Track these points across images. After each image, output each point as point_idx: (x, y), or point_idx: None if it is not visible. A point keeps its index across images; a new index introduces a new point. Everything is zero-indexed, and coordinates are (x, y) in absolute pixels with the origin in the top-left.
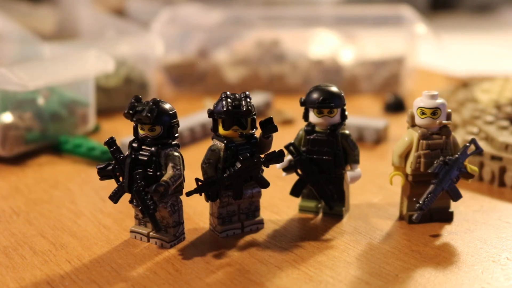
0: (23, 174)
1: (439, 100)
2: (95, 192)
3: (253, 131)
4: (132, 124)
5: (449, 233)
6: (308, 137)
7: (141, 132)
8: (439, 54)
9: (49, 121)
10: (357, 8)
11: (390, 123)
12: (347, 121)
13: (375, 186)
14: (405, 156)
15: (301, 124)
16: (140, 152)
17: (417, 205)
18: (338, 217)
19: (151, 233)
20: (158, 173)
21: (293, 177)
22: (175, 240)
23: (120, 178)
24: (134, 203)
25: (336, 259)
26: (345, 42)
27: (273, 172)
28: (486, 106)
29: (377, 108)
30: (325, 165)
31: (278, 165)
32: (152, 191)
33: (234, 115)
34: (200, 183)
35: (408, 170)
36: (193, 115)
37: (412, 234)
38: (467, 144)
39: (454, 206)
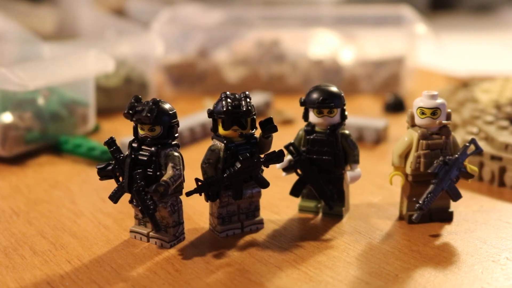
0: (23, 174)
1: (439, 100)
2: (95, 192)
3: (253, 131)
4: (132, 124)
5: (449, 233)
6: (308, 137)
7: (141, 132)
8: (439, 54)
9: (49, 121)
10: (357, 8)
11: (390, 123)
12: (347, 121)
13: (375, 186)
14: (405, 156)
15: (301, 124)
16: (140, 152)
17: (417, 205)
18: (338, 217)
19: (151, 233)
20: (158, 173)
21: (293, 177)
22: (175, 240)
23: (120, 178)
24: (134, 203)
25: (336, 259)
26: (345, 42)
27: (273, 172)
28: (486, 106)
29: (377, 108)
30: (325, 165)
31: (278, 165)
32: (152, 191)
33: (234, 115)
34: (200, 183)
35: (408, 170)
36: (193, 115)
37: (412, 234)
38: (467, 144)
39: (454, 206)
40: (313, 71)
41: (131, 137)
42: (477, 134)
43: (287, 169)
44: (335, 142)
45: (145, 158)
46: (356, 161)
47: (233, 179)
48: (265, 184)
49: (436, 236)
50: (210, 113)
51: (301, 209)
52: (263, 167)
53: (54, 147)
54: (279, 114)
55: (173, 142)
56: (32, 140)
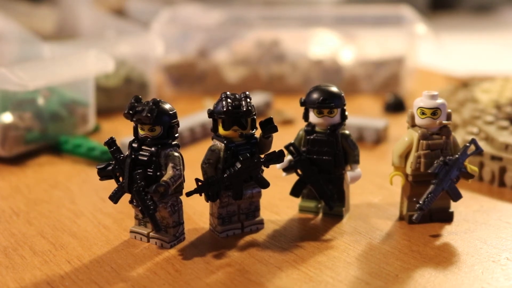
0: (23, 174)
1: (439, 100)
2: (95, 192)
3: (253, 131)
4: (132, 124)
5: (449, 233)
6: (308, 137)
7: (141, 132)
8: (439, 54)
9: (49, 121)
10: (357, 8)
11: (390, 123)
12: (347, 121)
13: (375, 186)
14: (405, 156)
15: (301, 124)
16: (140, 152)
17: (417, 205)
18: (338, 217)
19: (151, 233)
20: (158, 173)
21: (293, 177)
22: (175, 240)
23: (120, 178)
24: (134, 203)
25: (336, 259)
26: (345, 42)
27: (273, 172)
28: (486, 106)
29: (377, 108)
30: (325, 165)
31: (278, 165)
32: (152, 191)
33: (234, 115)
34: (200, 183)
35: (408, 170)
36: (193, 115)
37: (412, 234)
38: (467, 144)
39: (454, 206)
40: (313, 71)
41: (131, 137)
42: (477, 134)
43: (287, 169)
44: (335, 142)
45: (145, 158)
46: (356, 161)
47: (233, 179)
48: (265, 184)
49: (436, 236)
50: (210, 113)
51: (301, 209)
52: (263, 167)
53: (54, 147)
54: (279, 114)
55: (173, 142)
56: (32, 140)
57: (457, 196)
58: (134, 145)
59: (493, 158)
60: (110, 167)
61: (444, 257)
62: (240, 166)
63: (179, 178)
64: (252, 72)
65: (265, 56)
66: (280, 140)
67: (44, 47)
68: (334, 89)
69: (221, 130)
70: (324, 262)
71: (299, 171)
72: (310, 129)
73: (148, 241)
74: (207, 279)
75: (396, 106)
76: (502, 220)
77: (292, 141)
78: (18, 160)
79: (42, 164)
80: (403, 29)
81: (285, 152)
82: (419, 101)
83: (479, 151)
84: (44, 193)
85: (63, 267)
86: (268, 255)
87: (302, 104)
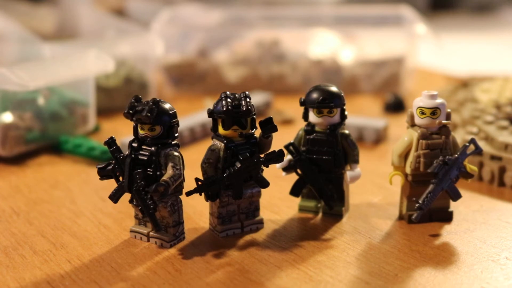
0: (23, 174)
1: (439, 100)
2: (95, 192)
3: (253, 131)
4: (132, 124)
5: (449, 233)
6: (307, 137)
7: (141, 132)
8: (439, 54)
9: (49, 121)
10: (357, 8)
11: (390, 123)
12: (347, 121)
13: (375, 186)
14: (404, 156)
15: (301, 124)
16: (140, 152)
17: (417, 205)
18: (338, 217)
19: (151, 233)
20: (158, 173)
21: (293, 177)
22: (175, 240)
23: (120, 178)
24: (134, 203)
25: (336, 259)
26: (345, 42)
27: (273, 172)
28: (486, 106)
29: (377, 108)
30: (324, 165)
31: (278, 165)
32: (152, 191)
33: (234, 115)
34: (200, 183)
35: (408, 170)
36: (193, 115)
37: (412, 234)
38: (467, 144)
39: (453, 206)
40: (313, 71)
41: (131, 137)
42: (477, 134)
43: (287, 169)
44: (335, 142)
45: (145, 158)
46: (356, 161)
47: (233, 179)
48: (265, 184)
49: (436, 236)
50: (210, 113)
51: (301, 209)
52: (263, 167)
53: (54, 147)
54: (279, 114)
55: (173, 142)
56: (32, 140)
57: (456, 196)
58: (134, 144)
59: (493, 158)
60: (110, 167)
61: (444, 257)
62: (240, 165)
63: (179, 177)
64: (252, 72)
65: (265, 56)
66: (280, 140)
67: (44, 47)
68: (333, 89)
69: (221, 130)
70: (324, 262)
71: (298, 170)
72: (310, 128)
73: (148, 241)
74: (207, 278)
75: (396, 106)
76: (501, 219)
77: (292, 141)
78: (18, 160)
79: (42, 164)
80: (403, 29)
81: (285, 151)
82: (418, 100)
83: (478, 151)
84: (44, 193)
85: (63, 266)
86: (268, 254)
87: (301, 104)
